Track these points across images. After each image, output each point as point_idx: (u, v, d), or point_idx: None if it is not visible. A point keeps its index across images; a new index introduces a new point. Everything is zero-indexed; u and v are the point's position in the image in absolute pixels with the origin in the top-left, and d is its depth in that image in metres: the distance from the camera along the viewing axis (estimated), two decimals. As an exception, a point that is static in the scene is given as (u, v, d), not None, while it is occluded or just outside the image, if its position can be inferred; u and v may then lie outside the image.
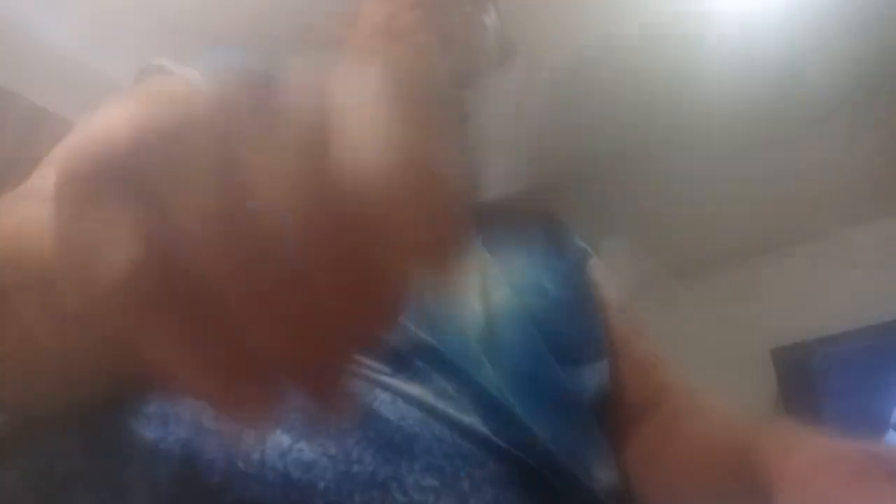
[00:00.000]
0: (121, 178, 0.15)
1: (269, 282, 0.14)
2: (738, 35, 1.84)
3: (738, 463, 0.41)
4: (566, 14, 1.80)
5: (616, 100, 2.08)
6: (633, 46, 1.90)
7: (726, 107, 2.06)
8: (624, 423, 0.51)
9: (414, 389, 0.36)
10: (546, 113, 2.12)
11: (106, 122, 0.15)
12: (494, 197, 0.62)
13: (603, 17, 1.82)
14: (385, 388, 0.35)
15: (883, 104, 2.04)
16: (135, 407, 0.32)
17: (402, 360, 0.37)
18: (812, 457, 0.36)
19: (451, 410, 0.36)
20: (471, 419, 0.36)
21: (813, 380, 2.41)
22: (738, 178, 2.37)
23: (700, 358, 2.45)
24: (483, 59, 0.57)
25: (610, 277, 0.62)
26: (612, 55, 1.93)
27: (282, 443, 0.31)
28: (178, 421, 0.31)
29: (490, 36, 0.59)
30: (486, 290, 0.47)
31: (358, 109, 0.15)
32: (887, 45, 1.84)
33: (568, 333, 0.49)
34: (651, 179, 2.41)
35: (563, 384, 0.44)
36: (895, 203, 2.43)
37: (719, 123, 2.12)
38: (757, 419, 0.47)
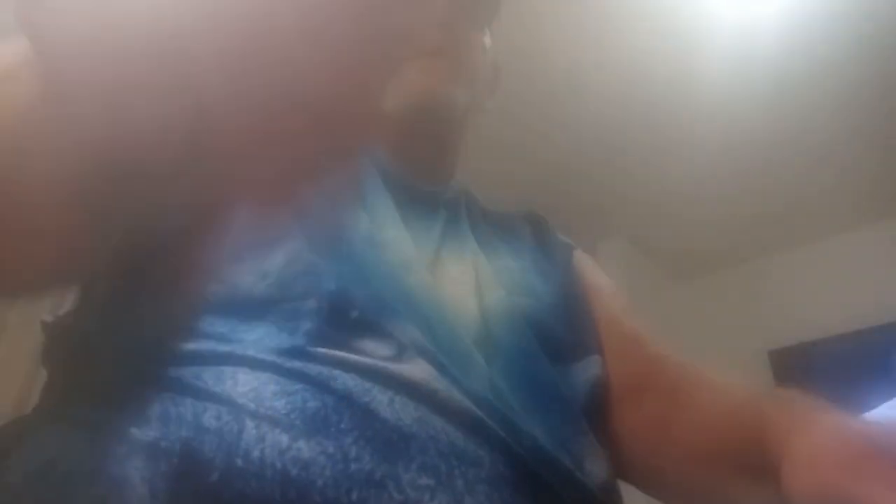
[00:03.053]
0: None
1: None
2: (738, 39, 1.84)
3: (746, 437, 0.42)
4: (566, 16, 1.81)
5: (617, 102, 2.08)
6: (633, 49, 1.91)
7: (726, 108, 2.07)
8: (621, 400, 0.51)
9: (416, 375, 0.37)
10: (547, 116, 2.13)
11: None
12: (487, 201, 0.63)
13: (603, 21, 1.83)
14: (385, 381, 0.36)
15: (882, 105, 2.05)
16: (137, 408, 0.33)
17: (404, 347, 0.38)
18: (822, 437, 0.36)
19: (450, 402, 0.36)
20: (466, 418, 0.36)
21: (810, 382, 2.42)
22: (737, 179, 2.38)
23: (697, 359, 2.46)
24: (480, 83, 0.59)
25: (594, 266, 0.63)
26: (612, 58, 1.94)
27: (281, 442, 0.32)
28: (179, 421, 0.32)
29: (487, 60, 0.61)
30: (481, 292, 0.48)
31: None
32: (885, 47, 1.85)
33: (560, 333, 0.50)
34: (651, 180, 2.42)
35: (557, 383, 0.44)
36: (894, 205, 2.44)
37: (719, 125, 2.13)
38: (761, 392, 0.47)
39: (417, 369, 0.37)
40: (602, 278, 0.61)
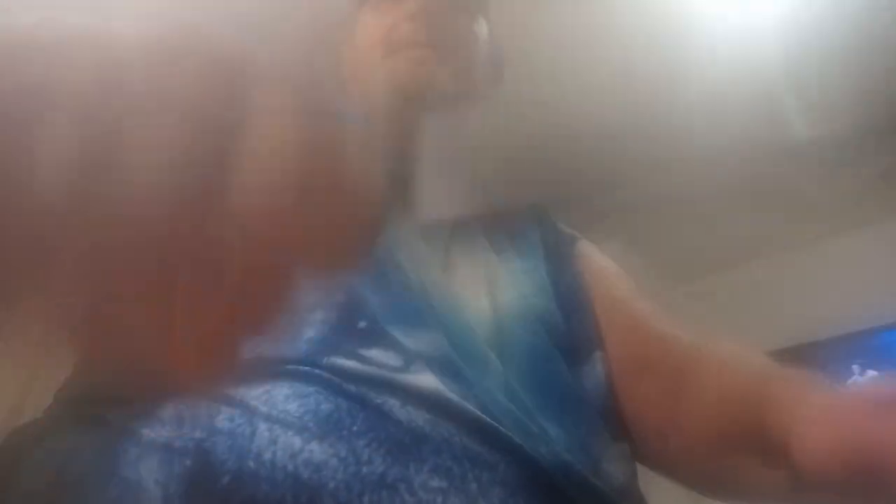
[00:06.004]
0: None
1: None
2: (737, 40, 1.84)
3: (751, 420, 0.42)
4: (561, 17, 1.81)
5: (616, 102, 2.08)
6: (631, 49, 1.90)
7: (725, 108, 2.07)
8: (624, 383, 0.51)
9: (425, 384, 0.37)
10: (543, 117, 2.13)
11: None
12: (492, 203, 0.63)
13: (598, 21, 1.83)
14: (395, 390, 0.36)
15: (882, 106, 2.05)
16: (150, 409, 0.33)
17: (412, 358, 0.38)
18: (831, 398, 0.36)
19: (461, 411, 0.36)
20: (478, 426, 0.36)
21: (810, 382, 2.41)
22: (737, 180, 2.38)
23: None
24: (476, 72, 0.59)
25: (598, 253, 0.62)
26: (610, 58, 1.93)
27: (293, 444, 0.32)
28: (193, 422, 0.32)
29: (482, 48, 0.61)
30: (493, 293, 0.48)
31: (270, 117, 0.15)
32: (884, 49, 1.85)
33: (569, 333, 0.50)
34: (650, 181, 2.41)
35: (571, 383, 0.44)
36: (894, 205, 2.44)
37: (718, 125, 2.13)
38: (769, 366, 0.47)
39: (425, 380, 0.37)
40: (606, 262, 0.61)
